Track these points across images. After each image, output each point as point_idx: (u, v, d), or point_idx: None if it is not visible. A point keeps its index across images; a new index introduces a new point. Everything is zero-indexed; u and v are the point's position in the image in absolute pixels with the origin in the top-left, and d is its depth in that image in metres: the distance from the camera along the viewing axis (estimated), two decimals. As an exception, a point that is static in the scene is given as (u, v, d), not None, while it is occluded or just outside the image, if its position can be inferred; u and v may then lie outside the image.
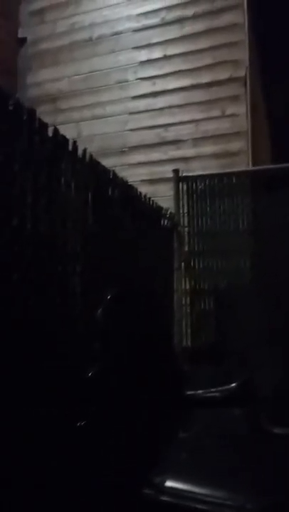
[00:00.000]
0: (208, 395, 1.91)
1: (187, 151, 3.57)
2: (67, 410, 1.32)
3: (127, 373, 1.45)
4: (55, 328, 1.48)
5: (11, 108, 1.31)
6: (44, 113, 1.46)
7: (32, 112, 1.42)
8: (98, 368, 1.36)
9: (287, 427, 1.48)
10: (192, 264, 3.29)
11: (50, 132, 1.54)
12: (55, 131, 1.57)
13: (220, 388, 1.93)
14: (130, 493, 1.08)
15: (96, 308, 1.56)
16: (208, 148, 3.50)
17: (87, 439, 1.22)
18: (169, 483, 1.06)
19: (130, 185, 2.38)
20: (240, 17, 3.45)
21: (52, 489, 1.24)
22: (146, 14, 3.81)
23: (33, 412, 1.26)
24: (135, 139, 3.77)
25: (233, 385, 1.94)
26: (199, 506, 0.99)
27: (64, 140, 1.63)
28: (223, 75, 3.48)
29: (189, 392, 1.93)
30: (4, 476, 1.14)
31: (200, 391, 1.93)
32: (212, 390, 1.93)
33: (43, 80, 4.18)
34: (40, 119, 1.44)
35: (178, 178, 3.32)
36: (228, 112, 3.44)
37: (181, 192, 3.32)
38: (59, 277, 1.55)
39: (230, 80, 3.45)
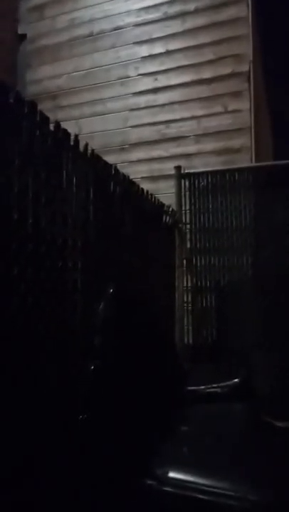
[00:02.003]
0: (210, 390, 1.91)
1: (189, 148, 3.56)
2: (69, 403, 1.32)
3: (128, 368, 1.45)
4: (57, 322, 1.48)
5: (11, 101, 1.31)
6: (44, 110, 1.45)
7: (33, 106, 1.41)
8: (99, 362, 1.36)
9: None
10: (194, 261, 3.28)
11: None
12: (57, 125, 1.56)
13: (221, 384, 1.93)
14: (133, 484, 1.08)
15: (97, 304, 1.56)
16: (210, 145, 3.49)
17: (89, 432, 1.22)
18: (171, 474, 1.06)
19: (132, 181, 2.37)
20: (242, 11, 3.42)
21: (55, 481, 1.24)
22: (147, 9, 3.79)
23: (35, 406, 1.26)
24: (136, 135, 3.76)
25: (235, 380, 1.94)
26: (202, 496, 0.99)
27: (65, 135, 1.62)
28: (225, 70, 3.46)
29: (191, 388, 1.94)
30: (8, 467, 1.14)
31: (201, 386, 1.94)
32: (213, 385, 1.94)
33: (43, 77, 4.16)
34: (41, 112, 1.44)
35: (180, 175, 3.31)
36: (231, 107, 3.42)
37: (182, 189, 3.31)
38: (60, 272, 1.54)
39: (233, 76, 3.43)
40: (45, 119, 1.48)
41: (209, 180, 3.28)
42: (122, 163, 3.47)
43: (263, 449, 1.25)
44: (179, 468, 1.09)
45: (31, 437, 1.22)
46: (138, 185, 2.50)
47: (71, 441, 1.25)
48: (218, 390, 1.91)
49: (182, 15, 3.65)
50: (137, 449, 1.19)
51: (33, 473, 1.20)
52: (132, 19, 3.85)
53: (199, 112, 3.53)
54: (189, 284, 3.25)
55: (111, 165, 2.07)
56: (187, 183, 3.31)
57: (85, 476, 1.17)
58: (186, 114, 3.58)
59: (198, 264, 3.26)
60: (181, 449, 1.23)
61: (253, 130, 3.34)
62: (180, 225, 3.26)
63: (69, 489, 1.22)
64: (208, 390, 1.91)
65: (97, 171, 1.89)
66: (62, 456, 1.25)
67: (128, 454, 1.15)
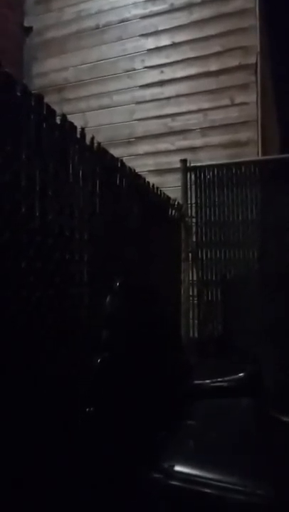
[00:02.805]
0: (216, 384, 1.92)
1: (195, 141, 3.53)
2: (76, 396, 1.33)
3: (134, 361, 1.46)
4: (64, 315, 1.48)
5: (18, 94, 1.30)
6: (50, 103, 1.45)
7: (40, 99, 1.41)
8: (106, 356, 1.36)
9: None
10: (199, 254, 3.27)
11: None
12: (64, 118, 1.56)
13: (227, 378, 1.93)
14: (140, 478, 1.09)
15: (104, 297, 1.56)
16: (217, 138, 3.46)
17: (95, 425, 1.23)
18: (178, 468, 1.07)
19: (138, 175, 2.36)
20: (249, 2, 3.37)
21: (62, 474, 1.25)
22: (153, 0, 3.75)
23: (42, 398, 1.27)
24: (142, 128, 3.74)
25: (241, 374, 1.94)
26: (208, 490, 0.99)
27: (72, 128, 1.61)
28: (232, 62, 3.41)
29: (197, 382, 1.94)
30: (13, 460, 1.15)
31: (207, 381, 1.94)
32: (219, 379, 1.94)
33: (49, 70, 4.14)
34: (48, 105, 1.43)
35: (186, 168, 3.29)
36: (237, 100, 3.39)
37: (188, 182, 3.29)
38: (67, 265, 1.54)
39: (240, 68, 3.39)
40: (52, 112, 1.47)
41: (215, 173, 3.26)
42: (129, 156, 3.46)
43: (270, 443, 1.25)
44: (185, 462, 1.09)
45: (36, 429, 1.23)
46: (144, 179, 2.49)
47: (76, 434, 1.26)
48: (224, 384, 1.91)
49: (189, 6, 3.60)
50: (143, 442, 1.20)
51: (36, 467, 1.21)
52: (139, 11, 3.81)
53: (206, 105, 3.50)
54: (195, 278, 3.25)
55: (117, 158, 2.06)
56: (193, 177, 3.30)
57: (91, 470, 1.18)
58: (193, 107, 3.55)
59: (204, 257, 3.25)
60: (187, 443, 1.24)
61: (259, 123, 3.31)
62: (186, 219, 3.25)
63: (73, 483, 1.23)
64: (213, 385, 1.91)
65: (103, 165, 1.88)
66: (67, 449, 1.26)
67: (135, 448, 1.16)
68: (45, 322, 1.38)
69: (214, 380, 1.94)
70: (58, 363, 1.40)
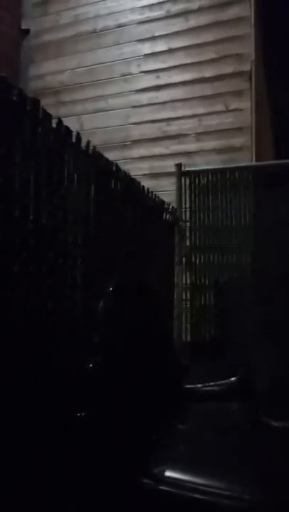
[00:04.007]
0: (208, 388, 1.92)
1: (190, 146, 3.56)
2: (67, 401, 1.33)
3: (126, 366, 1.46)
4: (56, 319, 1.48)
5: (14, 98, 1.31)
6: (46, 106, 1.45)
7: (36, 103, 1.41)
8: (98, 360, 1.36)
9: (287, 420, 1.48)
10: (193, 258, 3.29)
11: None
12: (59, 122, 1.56)
13: (219, 382, 1.94)
14: (129, 483, 1.09)
15: (97, 301, 1.56)
16: (211, 143, 3.49)
17: (86, 430, 1.23)
18: (168, 473, 1.07)
19: (133, 179, 2.37)
20: (245, 11, 3.42)
21: (51, 479, 1.24)
22: (150, 6, 3.78)
23: (33, 403, 1.27)
24: (137, 132, 3.76)
25: (233, 379, 1.95)
26: (198, 496, 0.99)
27: (67, 132, 1.62)
28: (227, 69, 3.45)
29: (189, 386, 1.94)
30: (5, 466, 1.15)
31: (199, 385, 1.94)
32: (211, 383, 1.94)
33: (46, 72, 4.15)
34: (44, 109, 1.44)
35: (180, 173, 3.31)
36: (232, 106, 3.42)
37: (183, 186, 3.31)
38: (60, 269, 1.55)
39: (234, 75, 3.43)
40: (48, 117, 1.48)
41: (210, 178, 3.28)
42: (124, 159, 3.48)
43: (261, 448, 1.26)
44: (175, 467, 1.10)
45: (30, 436, 1.23)
46: (139, 183, 2.50)
47: (70, 439, 1.26)
48: (216, 388, 1.91)
49: (185, 13, 3.64)
50: (134, 447, 1.20)
51: (33, 472, 1.20)
52: (136, 16, 3.84)
53: (201, 110, 3.53)
54: (188, 282, 3.26)
55: (112, 162, 2.07)
56: (188, 181, 3.32)
57: (83, 475, 1.18)
58: (188, 112, 3.58)
59: (198, 261, 3.27)
60: (178, 447, 1.24)
61: (253, 129, 3.35)
62: (180, 223, 3.27)
63: (68, 489, 1.22)
64: (205, 389, 1.91)
65: (98, 168, 1.89)
66: (62, 455, 1.26)
67: (126, 453, 1.16)
68: (37, 326, 1.38)
69: (206, 385, 1.94)
70: (49, 367, 1.40)
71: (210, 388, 1.92)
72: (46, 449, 1.27)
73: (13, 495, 1.15)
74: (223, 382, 1.93)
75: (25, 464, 1.21)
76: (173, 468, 1.09)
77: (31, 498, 1.20)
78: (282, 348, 2.60)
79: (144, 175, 3.46)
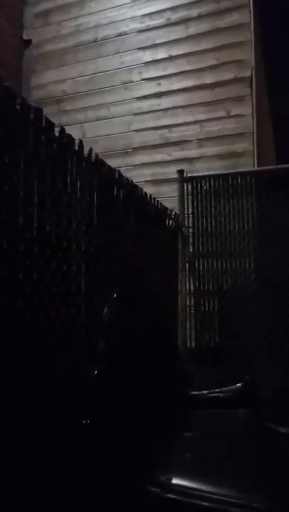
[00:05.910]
0: (213, 395, 1.91)
1: (191, 152, 3.58)
2: (72, 408, 1.32)
3: (131, 373, 1.45)
4: (60, 327, 1.48)
5: (17, 107, 1.32)
6: (48, 114, 1.47)
7: (38, 111, 1.43)
8: (103, 367, 1.36)
9: (293, 427, 1.47)
10: (196, 265, 3.28)
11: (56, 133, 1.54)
12: (62, 130, 1.58)
13: (224, 388, 1.93)
14: (136, 491, 1.08)
15: (101, 308, 1.56)
16: (213, 149, 3.50)
17: (91, 437, 1.22)
18: (174, 481, 1.06)
19: (135, 185, 2.38)
20: (244, 17, 3.45)
21: (56, 486, 1.24)
22: (150, 15, 3.83)
23: (38, 410, 1.26)
24: (139, 139, 3.78)
25: (238, 385, 1.94)
26: (205, 504, 0.98)
27: (70, 140, 1.63)
28: (227, 75, 3.48)
29: (193, 392, 1.93)
30: (8, 472, 1.14)
31: (204, 391, 1.93)
32: (216, 390, 1.93)
33: (48, 82, 4.19)
34: (47, 118, 1.45)
35: (182, 179, 3.32)
36: (233, 112, 3.44)
37: (185, 192, 3.32)
38: (64, 277, 1.55)
39: (235, 81, 3.45)
40: (50, 125, 1.49)
41: (212, 184, 3.29)
42: (126, 166, 3.50)
43: (267, 455, 1.24)
44: (182, 475, 1.08)
45: (32, 443, 1.22)
46: (141, 189, 2.51)
47: (73, 446, 1.25)
48: (221, 394, 1.90)
49: (185, 21, 3.67)
50: (139, 455, 1.19)
51: (36, 481, 1.20)
52: (136, 25, 3.88)
53: (202, 117, 3.55)
54: (192, 288, 3.26)
55: (115, 169, 2.08)
56: (190, 187, 3.32)
57: (87, 482, 1.17)
58: (189, 119, 3.60)
59: (201, 267, 3.27)
60: (184, 455, 1.23)
61: (255, 134, 3.36)
62: (183, 229, 3.27)
63: (70, 494, 1.21)
64: (210, 395, 1.90)
65: (101, 176, 1.90)
66: (64, 461, 1.25)
67: (131, 461, 1.15)
68: (41, 333, 1.38)
69: (211, 391, 1.93)
70: (53, 373, 1.39)
71: (215, 395, 1.91)
72: (51, 456, 1.26)
73: (17, 508, 1.14)
74: (227, 388, 1.92)
75: (30, 470, 1.20)
76: (180, 476, 1.08)
77: (37, 508, 1.20)
78: (287, 354, 2.59)
79: (147, 181, 3.48)
